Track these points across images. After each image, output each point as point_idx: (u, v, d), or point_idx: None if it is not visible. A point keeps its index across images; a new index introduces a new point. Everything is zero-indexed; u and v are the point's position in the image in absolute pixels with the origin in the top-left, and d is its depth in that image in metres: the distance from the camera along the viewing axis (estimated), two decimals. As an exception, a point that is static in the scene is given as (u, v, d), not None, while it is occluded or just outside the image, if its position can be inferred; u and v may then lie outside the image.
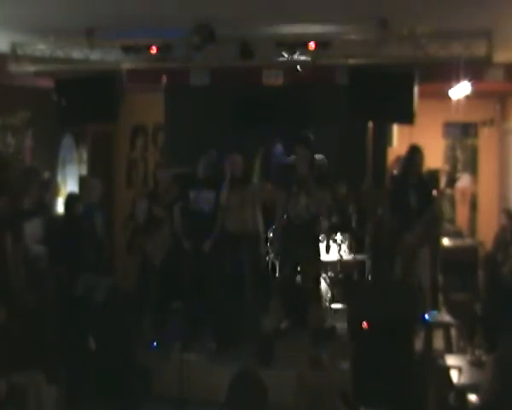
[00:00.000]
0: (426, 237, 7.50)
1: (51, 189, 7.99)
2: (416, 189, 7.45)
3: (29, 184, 7.15)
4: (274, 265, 7.77)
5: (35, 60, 7.29)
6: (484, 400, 4.16)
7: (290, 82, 8.03)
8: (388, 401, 5.77)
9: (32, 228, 7.04)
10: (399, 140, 9.79)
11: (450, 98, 9.05)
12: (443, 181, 9.14)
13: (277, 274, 7.52)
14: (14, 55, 7.27)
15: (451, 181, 7.80)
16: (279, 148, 8.55)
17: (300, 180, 7.06)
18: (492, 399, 3.87)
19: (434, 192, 7.83)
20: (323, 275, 8.03)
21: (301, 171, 7.08)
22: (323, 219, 7.89)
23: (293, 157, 7.33)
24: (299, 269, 7.28)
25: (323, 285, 7.86)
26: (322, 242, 8.14)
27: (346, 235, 8.34)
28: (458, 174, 7.99)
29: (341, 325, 7.53)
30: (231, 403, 3.33)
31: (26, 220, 6.98)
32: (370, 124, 8.40)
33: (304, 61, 6.91)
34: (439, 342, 6.99)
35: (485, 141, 10.93)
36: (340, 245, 8.25)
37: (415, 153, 7.56)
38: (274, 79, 7.71)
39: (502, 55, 7.21)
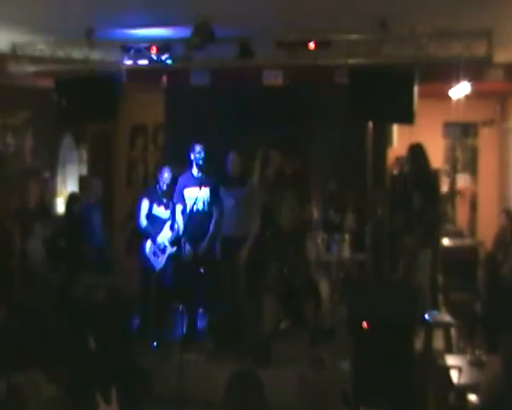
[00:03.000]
0: (427, 240, 7.48)
1: (51, 189, 7.99)
2: (421, 189, 7.43)
3: (28, 184, 7.16)
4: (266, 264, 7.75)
5: (35, 60, 7.29)
6: (484, 400, 4.16)
7: (290, 82, 8.03)
8: (388, 401, 5.76)
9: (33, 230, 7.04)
10: (399, 140, 9.79)
11: (450, 98, 9.05)
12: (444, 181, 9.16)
13: (268, 273, 7.51)
14: (14, 55, 7.27)
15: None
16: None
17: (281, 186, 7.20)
18: (493, 399, 3.87)
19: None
20: (323, 275, 8.04)
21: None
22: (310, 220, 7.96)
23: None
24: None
25: (323, 285, 7.86)
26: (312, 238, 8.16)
27: (346, 235, 8.34)
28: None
29: (341, 325, 7.54)
30: (228, 403, 3.32)
31: (28, 222, 6.99)
32: (370, 124, 8.40)
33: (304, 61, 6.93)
34: (439, 342, 6.99)
35: (485, 141, 10.93)
36: (340, 245, 8.25)
37: (414, 151, 7.54)
38: (274, 79, 7.70)
39: (502, 55, 7.21)
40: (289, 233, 7.31)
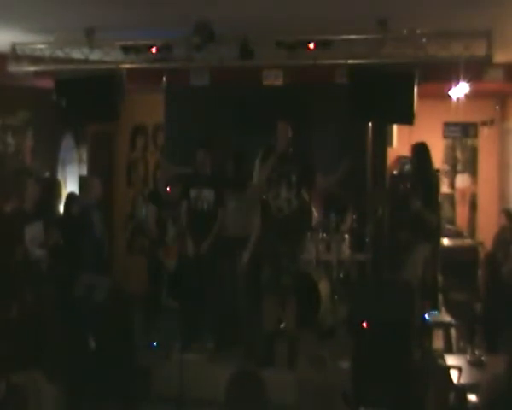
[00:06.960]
0: (423, 237, 7.46)
1: (54, 190, 7.97)
2: (421, 189, 7.41)
3: (22, 184, 7.16)
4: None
5: (35, 60, 7.29)
6: (484, 400, 4.16)
7: (290, 82, 8.03)
8: (388, 401, 5.77)
9: (33, 231, 7.03)
10: (399, 140, 9.80)
11: (450, 98, 9.04)
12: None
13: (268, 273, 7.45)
14: (14, 55, 7.27)
15: None
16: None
17: (280, 166, 6.94)
18: (493, 399, 3.87)
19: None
20: (323, 275, 8.03)
21: (281, 152, 6.90)
22: (312, 212, 7.85)
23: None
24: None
25: (323, 285, 7.85)
26: (312, 238, 8.11)
27: (346, 235, 8.33)
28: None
29: (341, 325, 7.54)
30: (228, 404, 3.33)
31: (26, 223, 6.98)
32: (370, 124, 8.38)
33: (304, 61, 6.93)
34: (439, 342, 6.99)
35: (485, 141, 10.93)
36: (340, 245, 8.24)
37: (419, 151, 7.51)
38: (274, 79, 7.71)
39: (502, 55, 7.21)
40: (284, 226, 7.08)
